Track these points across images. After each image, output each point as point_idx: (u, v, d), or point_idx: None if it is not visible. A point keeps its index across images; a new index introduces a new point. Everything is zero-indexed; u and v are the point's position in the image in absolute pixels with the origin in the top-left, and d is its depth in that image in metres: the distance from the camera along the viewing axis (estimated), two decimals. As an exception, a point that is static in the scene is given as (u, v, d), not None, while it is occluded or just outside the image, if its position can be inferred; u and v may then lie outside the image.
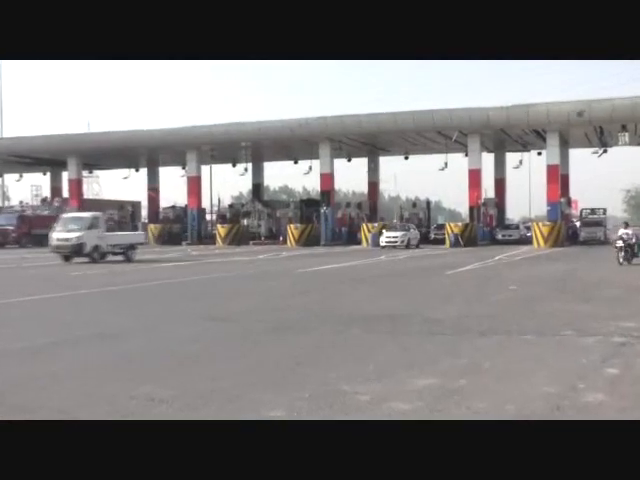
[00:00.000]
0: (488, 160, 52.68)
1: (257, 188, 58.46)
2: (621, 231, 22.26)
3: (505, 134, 44.51)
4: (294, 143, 47.79)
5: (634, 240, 21.83)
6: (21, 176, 58.66)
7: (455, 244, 39.46)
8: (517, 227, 50.03)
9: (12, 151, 51.04)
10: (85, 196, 65.87)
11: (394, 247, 36.81)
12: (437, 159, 49.10)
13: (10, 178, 65.89)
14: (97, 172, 78.60)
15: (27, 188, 73.89)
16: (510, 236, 45.67)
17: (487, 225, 45.93)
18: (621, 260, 21.32)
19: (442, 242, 42.66)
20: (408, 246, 37.54)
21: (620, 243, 21.66)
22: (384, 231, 39.68)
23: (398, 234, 38.28)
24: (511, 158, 52.10)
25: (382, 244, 37.25)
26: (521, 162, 49.46)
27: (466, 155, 44.68)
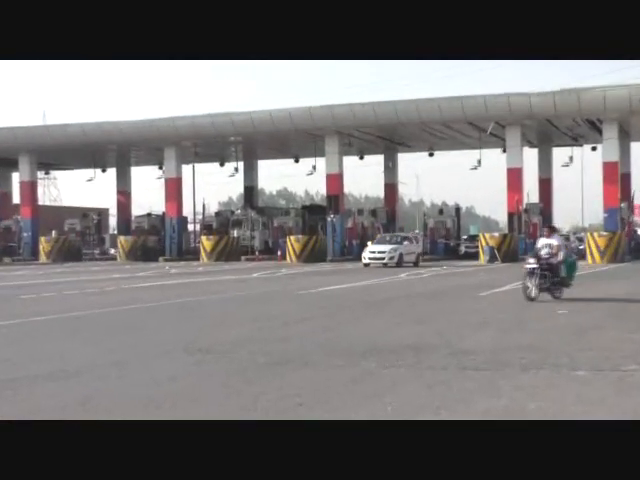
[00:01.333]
0: (531, 157, 52.82)
1: (250, 192, 58.60)
2: (541, 242, 17.66)
3: (552, 125, 44.59)
4: (294, 137, 47.97)
5: (559, 257, 16.99)
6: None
7: (491, 259, 39.44)
8: (567, 238, 49.96)
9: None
10: (41, 202, 66.34)
11: (385, 265, 35.28)
12: (469, 156, 49.28)
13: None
14: (55, 173, 79.24)
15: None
16: (558, 249, 45.57)
17: (530, 236, 45.82)
18: (532, 293, 16.77)
19: (475, 256, 42.67)
20: (400, 264, 35.42)
21: (532, 264, 16.88)
22: (369, 244, 38.42)
23: (386, 248, 36.25)
24: (559, 154, 52.26)
25: (365, 261, 35.79)
26: (571, 159, 49.62)
27: (504, 151, 44.79)
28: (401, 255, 35.98)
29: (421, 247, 39.42)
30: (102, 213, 61.35)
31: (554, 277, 16.91)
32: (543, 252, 17.03)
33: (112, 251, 54.34)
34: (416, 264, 36.73)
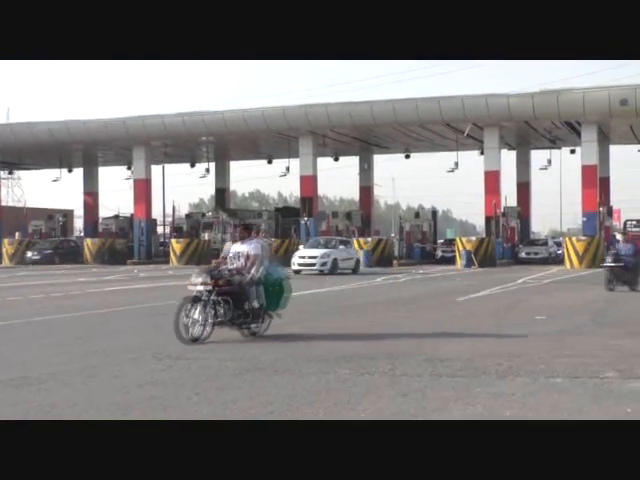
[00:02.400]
0: (509, 160, 53.12)
1: (221, 194, 58.50)
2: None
3: (530, 127, 44.90)
4: (268, 138, 47.94)
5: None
6: None
7: (468, 264, 39.62)
8: (545, 243, 50.47)
9: None
10: (4, 202, 65.76)
11: (322, 273, 32.11)
12: (446, 158, 49.50)
13: None
14: (19, 173, 78.66)
15: None
16: (536, 254, 46.02)
17: (508, 240, 46.22)
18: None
19: (452, 261, 42.84)
20: (333, 271, 32.37)
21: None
22: (301, 247, 35.68)
23: (317, 253, 32.88)
24: (538, 157, 52.61)
25: (294, 267, 32.11)
26: (550, 162, 49.95)
27: (482, 153, 45.06)
28: (335, 261, 32.82)
29: (357, 253, 36.01)
30: (67, 215, 60.89)
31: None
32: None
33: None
34: (355, 271, 33.91)
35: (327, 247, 33.84)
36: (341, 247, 33.86)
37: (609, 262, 21.80)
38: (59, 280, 29.78)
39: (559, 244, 48.93)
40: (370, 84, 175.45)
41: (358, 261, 35.15)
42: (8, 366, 9.74)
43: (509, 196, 49.61)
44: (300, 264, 32.47)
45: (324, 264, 32.09)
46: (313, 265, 32.13)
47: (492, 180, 43.09)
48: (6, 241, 49.18)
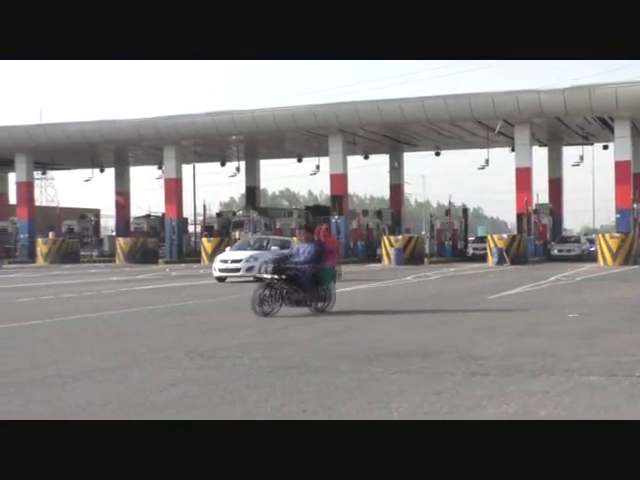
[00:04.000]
0: (540, 156, 52.78)
1: (252, 192, 58.68)
2: None
3: (562, 123, 44.56)
4: (297, 137, 48.00)
5: None
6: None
7: (499, 261, 39.40)
8: (577, 240, 50.10)
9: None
10: (38, 203, 66.44)
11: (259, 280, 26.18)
12: (476, 155, 49.29)
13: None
14: (52, 173, 79.40)
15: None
16: (568, 251, 45.71)
17: (540, 238, 45.90)
18: None
19: (483, 258, 42.64)
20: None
21: None
22: (227, 249, 30.77)
23: (242, 256, 27.82)
24: (570, 153, 52.20)
25: (215, 273, 27.80)
26: (582, 158, 49.58)
27: (513, 150, 44.79)
28: (265, 264, 27.27)
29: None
30: (95, 214, 61.30)
31: None
32: None
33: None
34: None
35: (257, 249, 28.81)
36: (274, 248, 27.40)
37: None
38: (92, 279, 30.01)
39: (592, 241, 48.52)
40: (399, 81, 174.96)
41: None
42: (42, 365, 9.83)
43: (541, 193, 49.34)
44: (222, 269, 27.53)
45: (250, 269, 26.37)
46: (237, 270, 27.18)
47: (523, 177, 42.84)
48: (40, 241, 49.62)
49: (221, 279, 27.36)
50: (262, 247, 28.92)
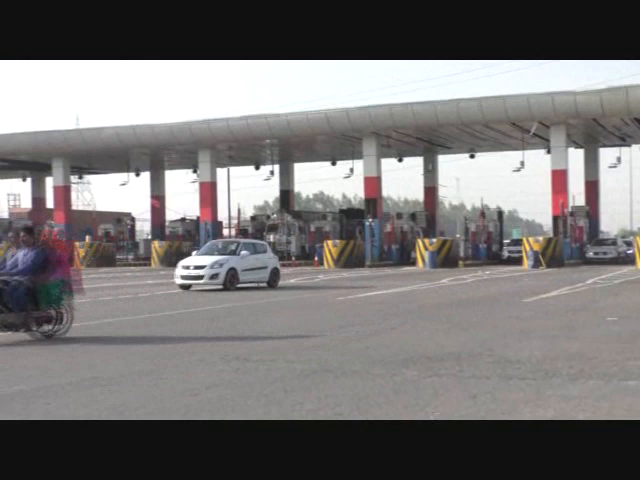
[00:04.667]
0: (577, 158, 52.34)
1: (286, 196, 58.80)
2: None
3: (598, 125, 44.15)
4: (331, 140, 48.00)
5: None
6: (-5, 183, 59.81)
7: (535, 264, 39.11)
8: (614, 243, 49.54)
9: (-15, 152, 52.02)
10: (74, 207, 67.12)
11: (225, 287, 24.80)
12: (511, 157, 49.02)
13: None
14: (89, 177, 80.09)
15: (2, 197, 75.53)
16: (605, 254, 45.23)
17: (576, 240, 45.50)
18: None
19: (518, 261, 42.36)
20: (230, 285, 24.75)
21: None
22: (194, 254, 28.07)
23: (205, 261, 25.11)
24: (606, 155, 51.71)
25: (177, 281, 25.17)
26: (619, 160, 49.04)
27: (548, 152, 44.47)
28: (232, 271, 25.00)
29: (277, 260, 28.34)
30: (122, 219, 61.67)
31: None
32: None
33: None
34: (271, 284, 26.34)
35: (225, 253, 25.97)
36: (244, 252, 25.49)
37: None
38: (128, 282, 30.22)
39: (629, 243, 48.00)
40: (434, 84, 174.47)
41: (276, 272, 26.88)
42: (79, 367, 9.90)
43: (577, 195, 48.96)
44: (184, 276, 24.95)
45: (215, 276, 24.54)
46: (199, 278, 24.58)
47: (559, 179, 42.50)
48: (77, 244, 50.03)
49: (184, 287, 24.92)
50: (231, 252, 26.05)
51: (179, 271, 25.25)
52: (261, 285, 26.18)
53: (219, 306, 19.01)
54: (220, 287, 24.66)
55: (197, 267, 24.80)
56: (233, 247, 26.60)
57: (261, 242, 31.02)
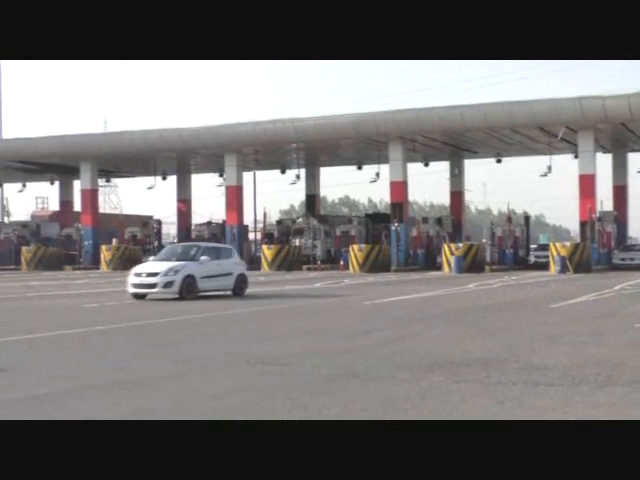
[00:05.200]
0: (605, 163, 51.94)
1: (311, 200, 58.82)
2: None
3: (627, 129, 43.77)
4: (357, 144, 47.97)
5: None
6: (24, 186, 60.25)
7: (562, 270, 38.84)
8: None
9: (14, 155, 52.51)
10: (101, 210, 67.54)
11: (181, 296, 22.23)
12: (538, 162, 48.69)
13: (11, 189, 67.90)
14: (116, 181, 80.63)
15: (31, 200, 76.18)
16: (632, 260, 44.77)
17: (604, 246, 45.10)
18: None
19: (545, 266, 42.10)
20: (186, 294, 22.27)
21: None
22: (151, 259, 26.05)
23: (159, 268, 22.61)
24: (635, 160, 51.27)
25: (129, 290, 22.56)
26: (648, 165, 48.57)
27: (576, 157, 44.13)
28: (189, 279, 22.53)
29: (244, 266, 26.33)
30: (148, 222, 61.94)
31: None
32: None
33: None
34: (237, 292, 23.98)
35: (183, 259, 23.49)
36: (204, 258, 23.17)
37: None
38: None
39: (659, 249, 47.49)
40: (462, 87, 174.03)
41: (242, 278, 24.52)
42: (104, 370, 9.95)
43: (605, 200, 48.55)
44: (136, 285, 22.43)
45: (169, 284, 22.11)
46: (152, 286, 22.16)
47: (587, 184, 42.17)
48: (104, 247, 50.37)
49: (138, 296, 22.38)
50: (190, 257, 23.57)
51: (131, 279, 22.62)
52: (226, 293, 23.87)
53: (239, 310, 19.04)
54: (176, 296, 22.19)
55: (150, 274, 22.38)
56: (193, 252, 24.12)
57: (226, 247, 28.74)
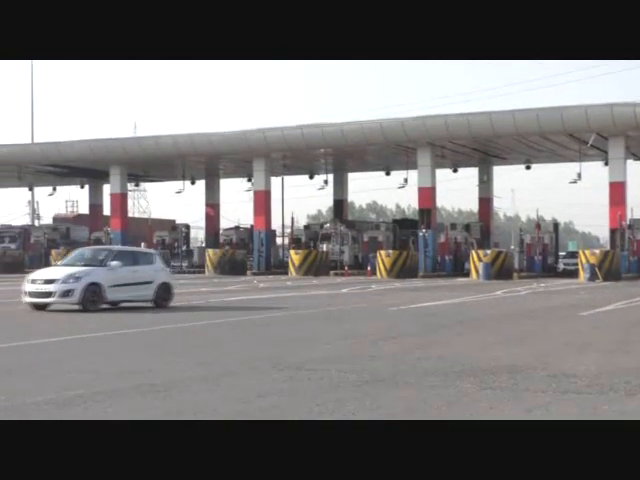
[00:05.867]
0: (636, 170, 51.52)
1: (339, 205, 58.83)
2: None
3: (658, 137, 43.36)
4: (385, 150, 47.91)
5: None
6: (54, 189, 60.79)
7: (591, 277, 38.53)
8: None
9: (45, 159, 52.96)
10: (130, 214, 67.94)
11: (84, 306, 19.36)
12: (568, 169, 48.40)
13: (41, 192, 68.52)
14: (145, 185, 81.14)
15: (61, 204, 76.81)
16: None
17: (634, 253, 44.67)
18: None
19: (574, 274, 41.81)
20: (90, 305, 19.36)
21: None
22: (57, 264, 23.89)
23: (58, 274, 19.89)
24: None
25: (24, 299, 19.76)
26: (679, 172, 48.05)
27: (606, 164, 43.81)
28: (93, 287, 19.63)
29: (169, 273, 23.35)
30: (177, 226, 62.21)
31: None
32: None
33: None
34: (159, 304, 21.06)
35: (90, 264, 20.57)
36: (114, 263, 20.20)
37: None
38: (182, 290, 30.45)
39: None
40: (489, 95, 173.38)
41: (166, 288, 21.56)
42: (135, 373, 10.00)
43: (635, 208, 48.11)
44: (32, 293, 19.67)
45: (67, 293, 19.33)
46: (48, 295, 19.43)
47: (617, 191, 41.85)
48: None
49: (38, 306, 19.65)
50: (98, 262, 20.59)
51: (26, 286, 19.81)
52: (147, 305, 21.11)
53: (279, 314, 19.06)
54: (77, 307, 19.45)
55: (46, 281, 19.62)
56: (102, 256, 20.94)
57: (147, 251, 25.55)
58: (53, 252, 52.64)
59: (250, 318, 18.10)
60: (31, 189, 68.73)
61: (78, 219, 64.26)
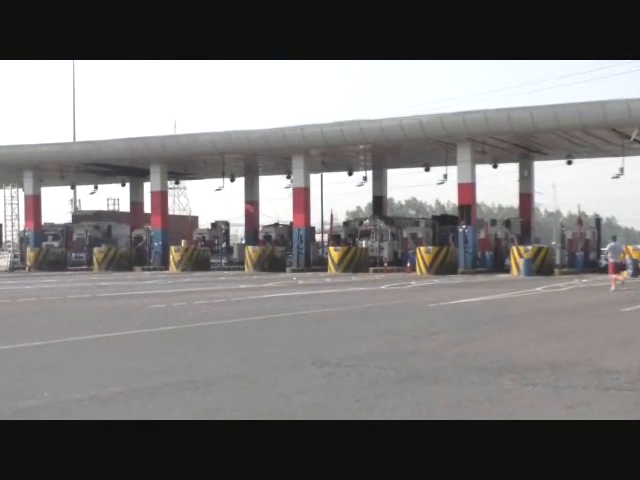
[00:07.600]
0: (679, 164, 50.79)
1: (378, 201, 58.72)
2: None
3: (703, 130, 42.69)
4: (425, 145, 47.70)
5: None
6: (96, 188, 61.40)
7: (634, 273, 38.11)
8: None
9: (86, 158, 53.49)
10: (171, 211, 68.40)
11: None
12: (610, 164, 47.77)
13: (83, 190, 69.27)
14: (185, 183, 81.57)
15: (102, 202, 77.50)
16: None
17: (677, 249, 44.07)
18: None
19: (617, 270, 41.30)
20: None
21: None
22: None
23: None
24: None
25: None
26: None
27: (649, 158, 43.23)
28: None
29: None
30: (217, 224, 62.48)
31: None
32: None
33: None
34: None
35: None
36: None
37: None
38: (221, 287, 30.63)
39: None
40: (528, 90, 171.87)
41: None
42: (175, 369, 10.07)
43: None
44: None
45: None
46: None
47: (660, 186, 41.32)
48: (173, 248, 51.00)
49: None
50: None
51: None
52: None
53: (316, 310, 19.09)
54: None
55: None
56: None
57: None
58: (95, 250, 53.21)
59: (286, 315, 18.15)
60: (73, 188, 69.52)
61: (98, 216, 64.72)
